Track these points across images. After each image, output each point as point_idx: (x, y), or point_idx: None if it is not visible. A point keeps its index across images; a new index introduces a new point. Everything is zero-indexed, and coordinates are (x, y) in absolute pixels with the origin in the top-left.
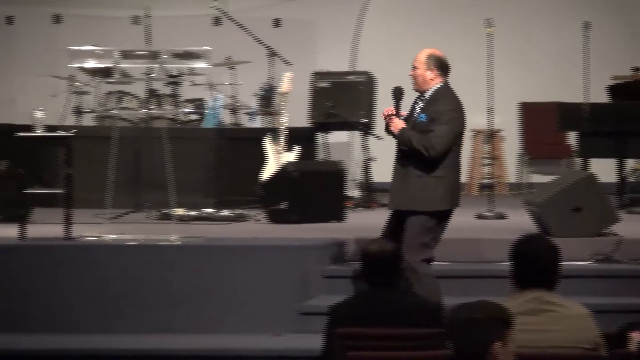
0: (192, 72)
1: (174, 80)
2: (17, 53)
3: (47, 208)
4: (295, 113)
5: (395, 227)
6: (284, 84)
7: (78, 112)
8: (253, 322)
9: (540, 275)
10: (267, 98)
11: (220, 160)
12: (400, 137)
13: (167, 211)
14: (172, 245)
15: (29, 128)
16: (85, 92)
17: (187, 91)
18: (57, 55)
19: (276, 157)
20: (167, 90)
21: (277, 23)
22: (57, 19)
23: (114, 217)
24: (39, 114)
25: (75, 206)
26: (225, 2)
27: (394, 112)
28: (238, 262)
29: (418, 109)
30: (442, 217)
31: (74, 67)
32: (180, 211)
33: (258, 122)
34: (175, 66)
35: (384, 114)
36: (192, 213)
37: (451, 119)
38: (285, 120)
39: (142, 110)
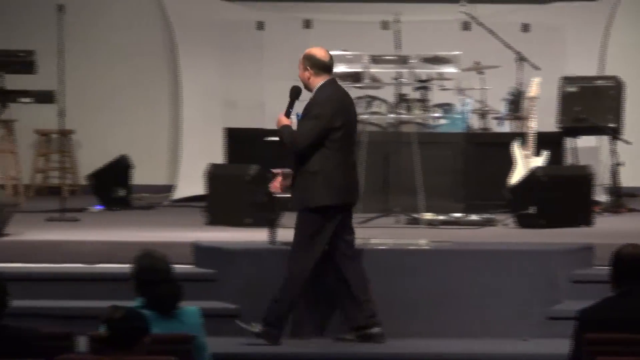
0: (441, 76)
1: (423, 85)
2: (267, 58)
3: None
4: (543, 118)
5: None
6: (533, 89)
7: None
8: (500, 327)
9: None
10: (516, 103)
11: (468, 165)
12: (279, 132)
13: (415, 215)
14: (421, 250)
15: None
16: None
17: (436, 96)
18: None
19: (525, 162)
20: (417, 94)
21: (525, 28)
22: (307, 24)
23: (363, 221)
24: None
25: None
26: (474, 7)
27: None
28: (486, 267)
29: None
30: (326, 213)
31: None
32: (428, 215)
33: (507, 127)
34: (424, 71)
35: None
36: (441, 217)
37: (316, 115)
38: (533, 125)
39: (391, 115)
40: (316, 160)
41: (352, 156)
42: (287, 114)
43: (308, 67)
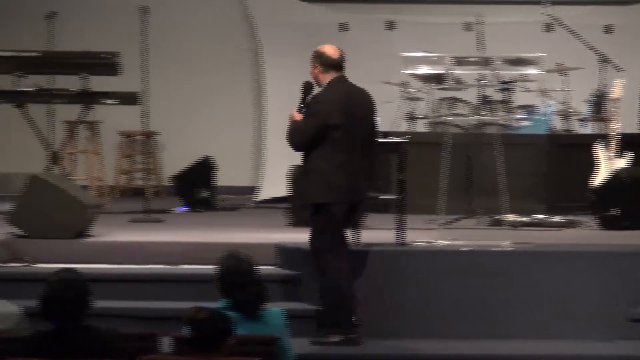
0: (524, 78)
1: (506, 86)
2: (351, 59)
3: (380, 214)
4: (626, 119)
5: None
6: (616, 90)
7: (411, 118)
8: (582, 328)
9: None
10: (599, 104)
11: (551, 166)
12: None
13: (498, 217)
14: (504, 251)
15: None
16: (418, 99)
17: (519, 97)
18: (390, 62)
19: (607, 163)
20: (499, 96)
21: (608, 29)
22: (390, 26)
23: (445, 222)
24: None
25: (407, 212)
26: (557, 9)
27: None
28: (568, 268)
29: None
30: (326, 210)
31: (406, 73)
32: (511, 217)
33: (589, 128)
34: (507, 72)
35: None
36: (524, 219)
37: (313, 112)
38: (616, 126)
39: (474, 117)
40: (315, 158)
41: (356, 155)
42: (300, 110)
43: (317, 65)
